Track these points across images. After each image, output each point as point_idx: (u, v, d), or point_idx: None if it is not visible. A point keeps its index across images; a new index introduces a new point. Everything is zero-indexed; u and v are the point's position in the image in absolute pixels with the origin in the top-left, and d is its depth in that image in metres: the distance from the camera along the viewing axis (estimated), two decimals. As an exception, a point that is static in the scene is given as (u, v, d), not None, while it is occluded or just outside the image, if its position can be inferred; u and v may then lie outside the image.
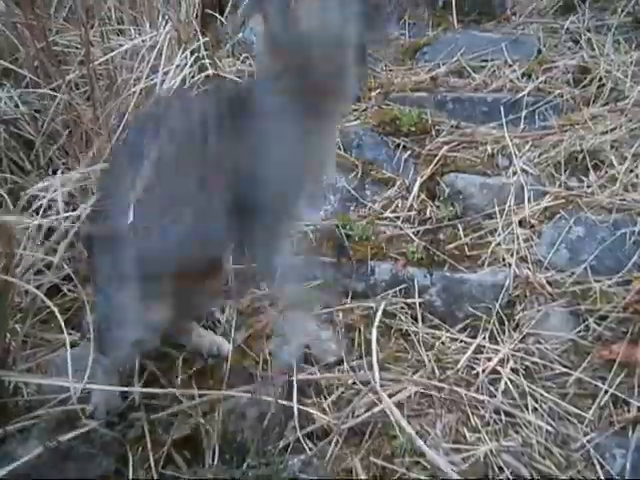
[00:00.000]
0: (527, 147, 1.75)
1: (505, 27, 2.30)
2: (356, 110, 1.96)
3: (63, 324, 1.07)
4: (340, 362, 1.28)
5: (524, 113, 1.85)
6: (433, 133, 1.84)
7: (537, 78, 1.96)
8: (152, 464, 1.05)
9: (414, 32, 2.35)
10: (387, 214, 1.60)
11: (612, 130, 1.76)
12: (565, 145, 1.73)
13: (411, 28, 2.36)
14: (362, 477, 1.05)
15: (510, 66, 2.05)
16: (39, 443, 1.03)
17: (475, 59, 2.12)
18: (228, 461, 1.07)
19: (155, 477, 1.03)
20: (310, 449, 1.09)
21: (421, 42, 2.27)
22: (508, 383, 1.21)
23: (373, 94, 2.02)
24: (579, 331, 1.30)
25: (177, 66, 1.94)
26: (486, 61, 2.10)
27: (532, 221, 1.54)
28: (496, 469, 1.07)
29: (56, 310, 1.07)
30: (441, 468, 1.05)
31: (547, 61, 2.04)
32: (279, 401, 1.14)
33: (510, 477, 1.05)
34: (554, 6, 2.31)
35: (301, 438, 1.10)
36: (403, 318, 1.37)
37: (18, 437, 1.04)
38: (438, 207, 1.61)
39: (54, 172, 1.61)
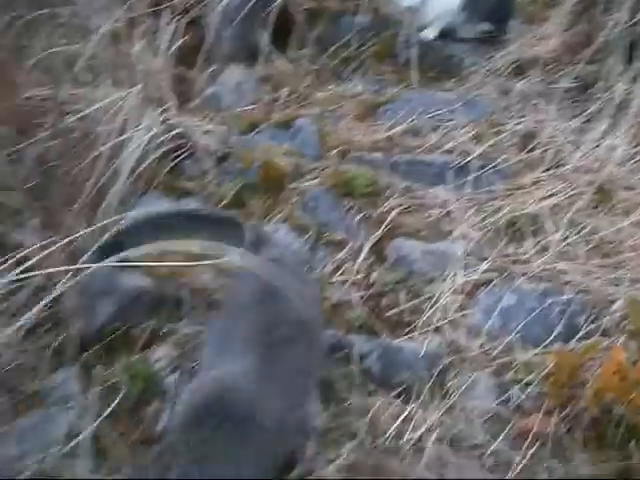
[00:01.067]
0: (471, 211, 1.87)
1: (462, 86, 2.42)
2: (315, 169, 2.07)
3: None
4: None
5: (471, 177, 1.97)
6: (386, 194, 1.95)
7: (486, 141, 2.08)
8: None
9: (377, 88, 2.46)
10: (336, 278, 1.71)
11: (552, 195, 1.88)
12: (507, 210, 1.85)
13: (374, 84, 2.47)
14: None
15: (463, 127, 2.17)
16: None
17: (431, 119, 2.24)
18: None
19: None
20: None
21: (382, 99, 2.38)
22: (432, 452, 1.31)
23: (332, 153, 2.13)
24: (501, 401, 1.40)
25: (145, 126, 2.06)
26: (441, 121, 2.22)
27: (469, 288, 1.65)
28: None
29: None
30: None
31: (497, 124, 2.17)
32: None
33: None
34: (508, 67, 2.44)
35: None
36: (341, 386, 1.46)
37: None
38: (384, 271, 1.72)
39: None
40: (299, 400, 1.19)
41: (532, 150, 2.05)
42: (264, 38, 2.64)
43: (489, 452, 1.30)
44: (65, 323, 1.54)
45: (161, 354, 1.55)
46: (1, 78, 2.05)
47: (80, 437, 1.27)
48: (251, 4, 2.61)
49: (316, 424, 1.35)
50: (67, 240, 1.56)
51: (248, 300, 1.24)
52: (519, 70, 2.42)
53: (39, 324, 1.53)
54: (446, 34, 2.63)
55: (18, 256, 1.40)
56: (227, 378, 1.08)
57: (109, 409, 1.38)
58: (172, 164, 2.16)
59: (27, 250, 1.43)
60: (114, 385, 1.46)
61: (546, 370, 1.41)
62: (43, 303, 1.37)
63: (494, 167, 2.00)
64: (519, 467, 1.27)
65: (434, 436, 1.34)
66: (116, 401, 1.40)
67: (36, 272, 1.44)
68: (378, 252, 1.78)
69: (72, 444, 1.26)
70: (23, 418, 1.37)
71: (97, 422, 1.31)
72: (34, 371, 1.49)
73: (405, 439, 1.33)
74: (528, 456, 1.28)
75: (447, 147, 2.10)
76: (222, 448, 1.03)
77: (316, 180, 2.01)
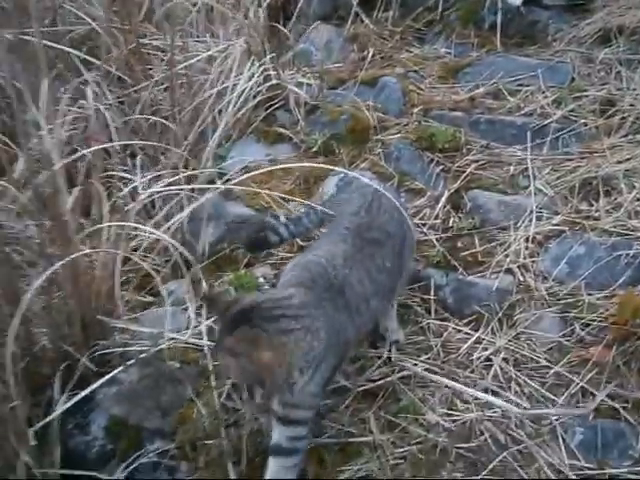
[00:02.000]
0: (547, 170, 1.99)
1: (545, 52, 2.49)
2: (398, 124, 2.23)
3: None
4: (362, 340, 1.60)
5: (549, 138, 2.08)
6: (464, 151, 2.10)
7: (566, 106, 2.17)
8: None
9: (459, 52, 2.57)
10: (416, 221, 1.89)
11: (627, 160, 1.97)
12: (582, 171, 1.96)
13: (457, 48, 2.58)
14: (374, 428, 1.38)
15: (543, 92, 2.26)
16: (137, 370, 1.41)
17: (512, 83, 2.34)
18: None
19: (218, 406, 1.38)
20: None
21: (464, 62, 2.49)
22: (498, 370, 1.50)
23: (415, 110, 2.28)
24: (565, 334, 1.56)
25: (245, 76, 2.27)
26: (522, 85, 2.32)
27: (540, 237, 1.79)
28: (478, 433, 1.37)
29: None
30: (435, 426, 1.37)
31: (578, 90, 2.24)
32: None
33: (488, 440, 1.35)
34: (593, 35, 2.48)
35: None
36: (419, 310, 1.67)
37: (122, 367, 1.42)
38: (460, 218, 1.89)
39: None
40: (382, 292, 1.41)
41: (611, 116, 2.12)
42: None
43: (550, 374, 1.48)
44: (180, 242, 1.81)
45: (260, 273, 1.80)
46: (124, 26, 2.31)
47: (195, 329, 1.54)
48: (342, -34, 2.75)
49: (399, 338, 1.57)
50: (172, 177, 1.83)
51: (355, 207, 1.49)
52: (604, 38, 2.46)
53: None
54: (532, 0, 2.68)
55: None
56: (326, 255, 1.36)
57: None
58: (266, 113, 2.39)
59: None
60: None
61: (609, 310, 1.56)
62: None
63: (572, 130, 2.10)
64: (577, 387, 1.44)
65: (501, 357, 1.53)
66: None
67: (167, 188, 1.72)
68: (455, 201, 1.95)
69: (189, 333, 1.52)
70: (151, 311, 1.67)
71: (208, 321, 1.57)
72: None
73: (475, 357, 1.53)
74: (586, 380, 1.45)
75: (527, 110, 2.21)
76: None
77: (399, 134, 2.18)
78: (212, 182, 2.07)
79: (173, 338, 1.48)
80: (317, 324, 1.20)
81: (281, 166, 1.99)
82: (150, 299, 1.74)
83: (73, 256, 1.33)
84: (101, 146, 1.65)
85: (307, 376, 1.18)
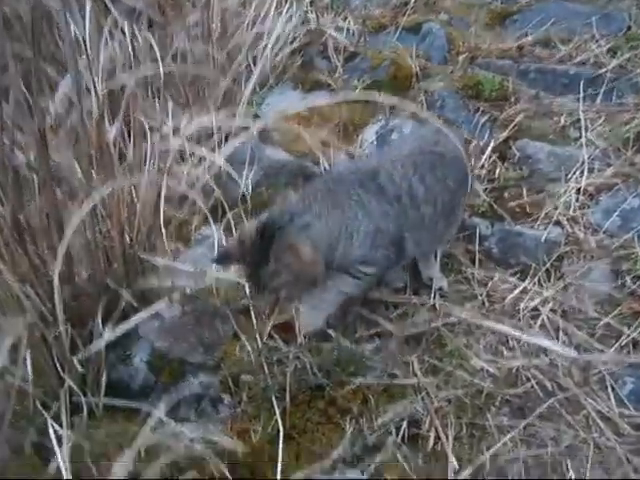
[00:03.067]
0: (599, 122, 1.90)
1: (599, 0, 2.35)
2: (442, 72, 2.14)
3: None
4: (405, 287, 1.58)
5: (603, 89, 1.98)
6: (512, 100, 2.01)
7: (622, 55, 2.06)
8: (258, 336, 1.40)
9: (507, -2, 2.45)
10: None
11: (686, 112, 1.88)
12: (636, 123, 1.87)
13: (505, -6, 2.46)
14: (418, 371, 1.36)
15: (597, 41, 2.14)
16: (179, 306, 1.40)
17: (563, 31, 2.23)
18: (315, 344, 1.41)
19: (260, 345, 1.37)
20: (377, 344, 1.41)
21: (513, 9, 2.38)
22: (545, 320, 1.46)
23: (460, 58, 2.19)
24: (615, 286, 1.51)
25: (283, 20, 2.19)
26: (574, 34, 2.20)
27: (591, 190, 1.72)
28: (524, 379, 1.35)
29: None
30: (480, 371, 1.34)
31: (634, 38, 2.12)
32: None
33: (535, 386, 1.33)
34: (652, -19, 2.34)
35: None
36: (463, 260, 1.62)
37: (166, 300, 1.41)
38: (507, 169, 1.82)
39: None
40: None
41: (669, 66, 2.02)
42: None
43: (600, 325, 1.44)
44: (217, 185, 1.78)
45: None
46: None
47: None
48: None
49: (442, 285, 1.54)
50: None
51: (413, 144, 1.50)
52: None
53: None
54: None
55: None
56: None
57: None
58: (304, 59, 2.31)
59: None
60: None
61: (664, 264, 1.50)
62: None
63: (628, 81, 1.99)
64: (627, 339, 1.40)
65: (548, 307, 1.49)
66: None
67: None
68: (502, 152, 1.88)
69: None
70: (190, 252, 1.66)
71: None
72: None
73: (521, 307, 1.49)
74: (637, 331, 1.41)
75: (579, 59, 2.11)
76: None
77: (443, 82, 2.10)
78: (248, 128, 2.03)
79: (215, 276, 1.46)
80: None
81: (322, 102, 1.93)
82: (188, 243, 1.73)
83: (116, 185, 1.30)
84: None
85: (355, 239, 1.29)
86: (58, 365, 1.28)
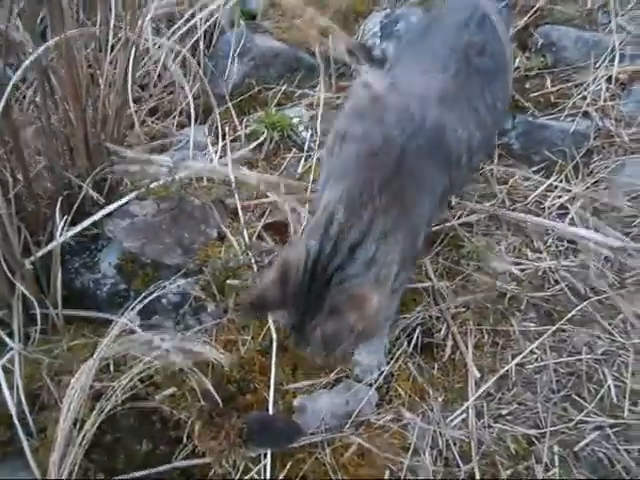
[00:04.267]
0: (631, 5, 1.67)
1: None
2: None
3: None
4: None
5: (635, -29, 1.74)
6: (533, -17, 1.76)
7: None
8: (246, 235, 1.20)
9: None
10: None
11: None
12: (673, 7, 1.64)
13: None
14: (432, 274, 1.18)
15: None
16: (153, 204, 1.19)
17: None
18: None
19: (248, 244, 1.18)
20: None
21: None
22: (575, 217, 1.28)
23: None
24: (651, 182, 1.34)
25: None
26: None
27: (623, 78, 1.51)
28: (552, 282, 1.18)
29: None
30: (502, 274, 1.17)
31: None
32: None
33: (565, 289, 1.16)
34: None
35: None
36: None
37: (135, 201, 1.20)
38: (528, 58, 1.59)
39: None
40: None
41: None
42: None
43: (636, 223, 1.27)
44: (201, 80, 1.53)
45: (294, 114, 1.54)
46: None
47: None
48: None
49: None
50: None
51: (462, 16, 1.11)
52: None
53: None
54: None
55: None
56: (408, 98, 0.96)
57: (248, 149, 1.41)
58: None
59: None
60: (251, 134, 1.49)
61: None
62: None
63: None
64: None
65: (578, 204, 1.31)
66: (255, 144, 1.43)
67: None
68: (522, 39, 1.64)
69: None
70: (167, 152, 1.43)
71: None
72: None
73: (547, 205, 1.31)
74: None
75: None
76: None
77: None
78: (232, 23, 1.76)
79: (196, 168, 1.24)
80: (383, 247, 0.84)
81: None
82: (166, 140, 1.50)
83: (67, 33, 1.04)
84: None
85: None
86: (7, 270, 1.08)
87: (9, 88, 0.99)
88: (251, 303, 0.84)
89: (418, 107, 0.92)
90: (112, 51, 1.25)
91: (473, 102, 1.00)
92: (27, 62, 1.01)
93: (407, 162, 0.88)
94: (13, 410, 0.96)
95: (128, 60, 1.20)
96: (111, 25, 1.23)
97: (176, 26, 1.46)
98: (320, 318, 0.81)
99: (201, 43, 1.62)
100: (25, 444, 0.95)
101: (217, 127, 1.45)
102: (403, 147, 0.88)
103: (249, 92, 1.59)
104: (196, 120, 1.48)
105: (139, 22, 1.22)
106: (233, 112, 1.54)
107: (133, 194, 1.16)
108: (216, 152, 1.38)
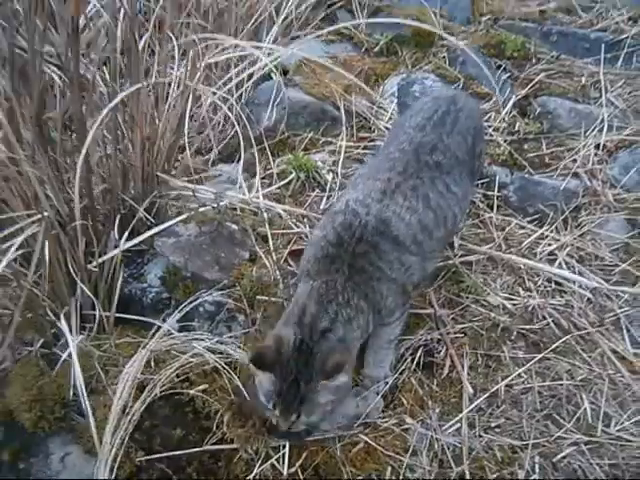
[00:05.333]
0: (619, 84, 1.91)
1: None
2: (465, 31, 2.14)
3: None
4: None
5: (623, 53, 1.99)
6: (533, 60, 2.01)
7: (642, 24, 2.07)
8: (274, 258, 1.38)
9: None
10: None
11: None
12: (656, 87, 1.88)
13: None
14: (435, 303, 1.35)
15: (619, 9, 2.15)
16: (195, 227, 1.38)
17: (585, -1, 2.23)
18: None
19: (276, 265, 1.36)
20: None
21: (536, -23, 2.37)
22: (562, 263, 1.46)
23: (483, 19, 2.18)
24: (632, 236, 1.52)
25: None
26: (596, 2, 2.21)
27: (610, 146, 1.72)
28: (540, 317, 1.35)
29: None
30: (496, 307, 1.34)
31: (656, 9, 2.14)
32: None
33: (551, 324, 1.32)
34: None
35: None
36: (481, 205, 1.62)
37: (180, 224, 1.39)
38: (527, 123, 1.82)
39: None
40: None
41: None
42: None
43: (616, 271, 1.44)
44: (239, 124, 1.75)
45: (319, 158, 1.75)
46: None
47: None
48: None
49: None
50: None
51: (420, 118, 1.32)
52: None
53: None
54: None
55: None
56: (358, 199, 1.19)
57: (275, 187, 1.61)
58: (327, 12, 2.29)
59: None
60: (280, 173, 1.69)
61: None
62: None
63: (648, 47, 2.00)
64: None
65: (565, 252, 1.49)
66: (283, 182, 1.63)
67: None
68: (522, 107, 1.87)
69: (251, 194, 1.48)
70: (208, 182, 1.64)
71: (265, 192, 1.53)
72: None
73: (538, 251, 1.49)
74: (654, 278, 1.41)
75: (600, 25, 2.11)
76: None
77: (466, 40, 2.09)
78: (269, 75, 2.02)
79: (234, 200, 1.44)
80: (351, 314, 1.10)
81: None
82: (207, 174, 1.71)
83: (137, 86, 1.26)
84: None
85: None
86: (72, 271, 1.26)
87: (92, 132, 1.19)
88: (251, 360, 1.07)
89: (362, 211, 1.15)
90: (170, 97, 1.48)
91: (422, 190, 1.20)
92: (111, 105, 1.22)
93: (358, 261, 1.12)
94: (70, 392, 1.12)
95: (185, 105, 1.42)
96: (174, 75, 1.46)
97: (226, 77, 1.69)
98: (304, 386, 1.02)
99: (243, 92, 1.87)
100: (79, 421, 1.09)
101: (251, 165, 1.66)
102: (353, 249, 1.12)
103: (280, 137, 1.81)
104: (232, 158, 1.70)
105: (197, 74, 1.46)
106: (266, 153, 1.76)
107: (180, 218, 1.35)
108: (250, 187, 1.59)
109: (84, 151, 1.19)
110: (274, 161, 1.74)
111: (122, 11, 1.34)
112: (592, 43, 2.04)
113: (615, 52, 2.00)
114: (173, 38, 1.45)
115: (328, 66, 1.94)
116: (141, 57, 1.30)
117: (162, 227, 1.34)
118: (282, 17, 2.11)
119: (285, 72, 2.06)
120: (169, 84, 1.49)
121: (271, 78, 1.94)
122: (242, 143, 1.73)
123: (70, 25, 1.16)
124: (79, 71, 1.23)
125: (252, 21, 2.08)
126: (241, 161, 1.70)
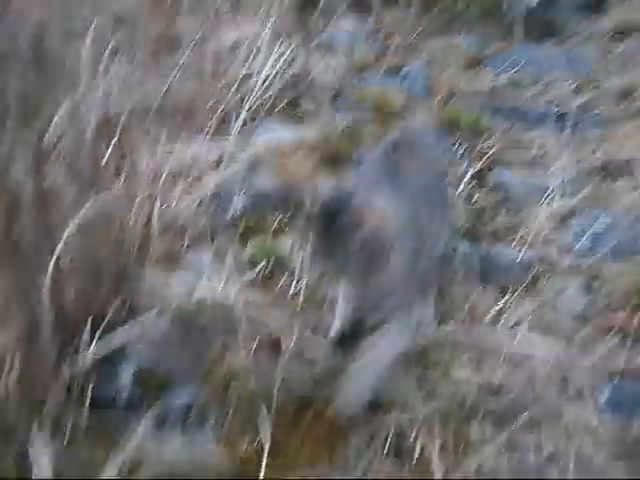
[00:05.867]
0: (568, 153, 2.03)
1: (563, 45, 2.55)
2: (423, 108, 2.28)
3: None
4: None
5: (570, 124, 2.12)
6: (487, 134, 2.14)
7: (585, 94, 2.23)
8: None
9: (481, 43, 2.63)
10: (440, 197, 1.92)
11: (643, 144, 2.02)
12: (601, 154, 2.00)
13: (479, 39, 2.64)
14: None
15: (563, 82, 2.31)
16: (167, 321, 1.43)
17: (533, 73, 2.39)
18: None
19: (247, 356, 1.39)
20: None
21: (486, 53, 2.56)
22: (524, 334, 1.51)
23: (439, 95, 2.33)
24: (588, 303, 1.58)
25: (272, 59, 2.32)
26: (542, 75, 2.38)
27: (562, 213, 1.82)
28: (506, 391, 1.38)
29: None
30: (463, 383, 1.38)
31: (596, 80, 2.30)
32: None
33: (516, 398, 1.36)
34: (611, 29, 2.55)
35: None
36: (447, 279, 1.68)
37: (152, 319, 1.43)
38: (485, 195, 1.92)
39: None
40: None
41: (629, 103, 2.17)
42: (376, -8, 2.86)
43: (576, 340, 1.50)
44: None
45: (287, 243, 1.82)
46: (157, 10, 2.37)
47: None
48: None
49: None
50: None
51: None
52: (620, 33, 2.53)
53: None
54: (549, -2, 2.77)
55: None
56: None
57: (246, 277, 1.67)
58: (292, 96, 2.43)
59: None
60: (250, 260, 1.76)
61: (631, 279, 1.58)
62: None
63: (592, 117, 2.14)
64: (603, 351, 1.46)
65: (527, 323, 1.54)
66: (252, 271, 1.70)
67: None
68: (479, 179, 1.98)
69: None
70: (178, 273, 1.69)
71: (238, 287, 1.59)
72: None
73: (501, 323, 1.55)
74: (612, 345, 1.46)
75: (547, 98, 2.26)
76: None
77: (424, 116, 2.22)
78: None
79: (204, 292, 1.50)
80: None
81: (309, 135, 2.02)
82: (177, 264, 1.77)
83: (104, 195, 1.34)
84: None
85: None
86: (43, 379, 1.28)
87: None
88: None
89: None
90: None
91: None
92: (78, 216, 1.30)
93: None
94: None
95: (152, 210, 1.50)
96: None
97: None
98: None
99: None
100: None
101: (221, 252, 1.73)
102: None
103: (248, 223, 1.89)
104: (202, 246, 1.77)
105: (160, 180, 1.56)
106: (236, 240, 1.83)
107: (152, 313, 1.39)
108: (220, 276, 1.64)
109: (52, 264, 1.26)
110: (244, 248, 1.81)
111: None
112: (540, 115, 2.19)
113: (562, 122, 2.14)
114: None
115: (293, 150, 2.10)
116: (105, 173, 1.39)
117: (133, 325, 1.38)
118: (248, 104, 2.25)
119: (253, 158, 2.16)
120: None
121: (240, 165, 2.05)
122: (212, 231, 1.84)
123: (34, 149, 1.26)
124: (43, 189, 1.31)
125: (221, 109, 2.24)
126: (211, 250, 1.80)
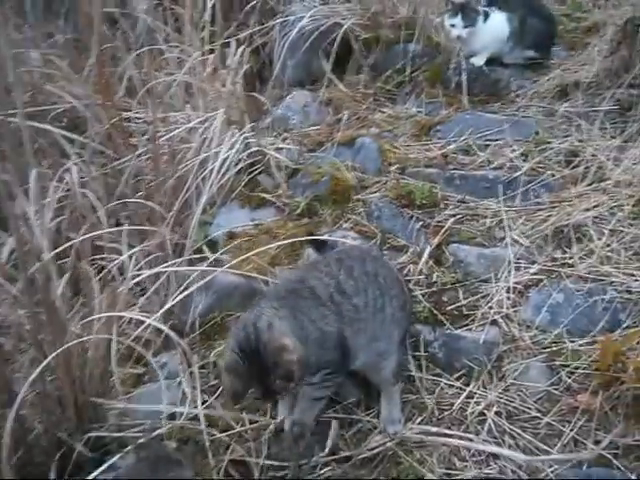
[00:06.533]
0: (520, 221, 2.08)
1: (509, 108, 2.65)
2: (377, 183, 2.33)
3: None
4: (359, 403, 1.62)
5: (520, 190, 2.18)
6: (442, 206, 2.18)
7: (533, 158, 2.30)
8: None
9: (429, 110, 2.71)
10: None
11: (594, 207, 2.08)
12: (553, 220, 2.05)
13: (427, 106, 2.73)
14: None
15: (510, 146, 2.39)
16: (133, 454, 1.40)
17: (481, 138, 2.47)
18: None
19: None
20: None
21: (435, 120, 2.63)
22: (492, 424, 1.52)
23: (392, 169, 2.38)
24: (552, 383, 1.61)
25: (226, 145, 2.36)
26: (490, 140, 2.45)
27: (520, 287, 1.86)
28: (477, 490, 1.39)
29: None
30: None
31: (543, 142, 2.38)
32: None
33: (488, 498, 1.37)
34: (552, 90, 2.65)
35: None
36: (411, 367, 1.70)
37: (119, 452, 1.41)
38: (443, 272, 1.95)
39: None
40: None
41: (576, 166, 2.25)
42: (326, 65, 2.94)
43: (542, 424, 1.51)
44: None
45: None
46: (106, 102, 2.40)
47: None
48: (314, 36, 2.92)
49: (397, 430, 1.54)
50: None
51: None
52: (562, 93, 2.64)
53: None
54: (493, 60, 2.87)
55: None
56: None
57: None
58: (249, 178, 2.46)
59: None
60: (217, 360, 1.75)
61: (592, 357, 1.61)
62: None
63: (541, 181, 2.21)
64: (568, 437, 1.47)
65: (493, 410, 1.56)
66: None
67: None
68: (437, 256, 2.01)
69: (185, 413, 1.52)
70: (145, 387, 1.68)
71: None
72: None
73: (468, 412, 1.56)
74: (577, 428, 1.48)
75: (497, 164, 2.33)
76: None
77: (378, 192, 2.27)
78: (199, 250, 2.13)
79: (170, 419, 1.48)
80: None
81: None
82: (142, 371, 1.75)
83: (67, 345, 1.35)
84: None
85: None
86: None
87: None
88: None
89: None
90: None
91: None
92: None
93: None
94: None
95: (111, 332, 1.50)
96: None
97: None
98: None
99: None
100: None
101: (187, 355, 1.72)
102: None
103: (214, 321, 1.89)
104: (167, 348, 1.76)
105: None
106: (202, 341, 1.82)
107: (117, 456, 1.37)
108: (188, 384, 1.63)
109: (12, 414, 1.24)
110: (210, 350, 1.80)
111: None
112: (491, 182, 2.24)
113: (513, 189, 2.20)
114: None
115: (253, 239, 2.12)
116: (62, 308, 1.39)
117: (99, 470, 1.35)
118: (207, 189, 2.27)
119: (213, 247, 2.17)
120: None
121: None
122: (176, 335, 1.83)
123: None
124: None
125: (182, 195, 2.26)
126: (176, 357, 1.78)
